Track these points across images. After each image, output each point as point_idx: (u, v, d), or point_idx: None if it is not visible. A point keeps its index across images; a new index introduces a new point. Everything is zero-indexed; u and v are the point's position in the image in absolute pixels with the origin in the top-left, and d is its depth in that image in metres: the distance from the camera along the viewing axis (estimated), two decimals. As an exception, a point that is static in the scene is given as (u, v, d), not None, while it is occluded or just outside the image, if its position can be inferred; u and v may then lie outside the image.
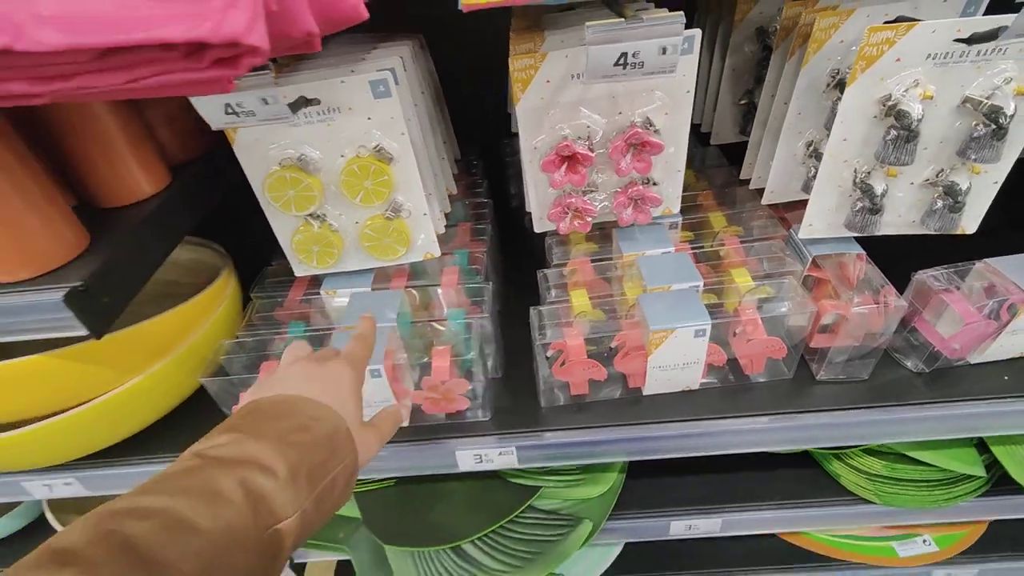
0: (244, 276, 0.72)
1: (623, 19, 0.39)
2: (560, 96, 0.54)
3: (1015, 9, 0.43)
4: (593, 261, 0.67)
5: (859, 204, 0.56)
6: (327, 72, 0.51)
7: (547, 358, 0.57)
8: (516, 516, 0.66)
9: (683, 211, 0.68)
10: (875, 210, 0.55)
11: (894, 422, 0.58)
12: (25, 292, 0.45)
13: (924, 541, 0.85)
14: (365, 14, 0.31)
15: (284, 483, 0.36)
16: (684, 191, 0.65)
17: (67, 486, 0.63)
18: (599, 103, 0.55)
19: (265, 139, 0.53)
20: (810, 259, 0.61)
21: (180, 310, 0.59)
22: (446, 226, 0.67)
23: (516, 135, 0.94)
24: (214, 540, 0.32)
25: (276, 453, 0.37)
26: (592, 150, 0.56)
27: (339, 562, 0.89)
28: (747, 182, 0.74)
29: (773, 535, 0.90)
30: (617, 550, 0.87)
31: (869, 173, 0.55)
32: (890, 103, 0.50)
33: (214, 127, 0.46)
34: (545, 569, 0.65)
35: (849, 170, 0.55)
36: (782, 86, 0.62)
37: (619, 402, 0.62)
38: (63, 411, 0.55)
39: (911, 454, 0.67)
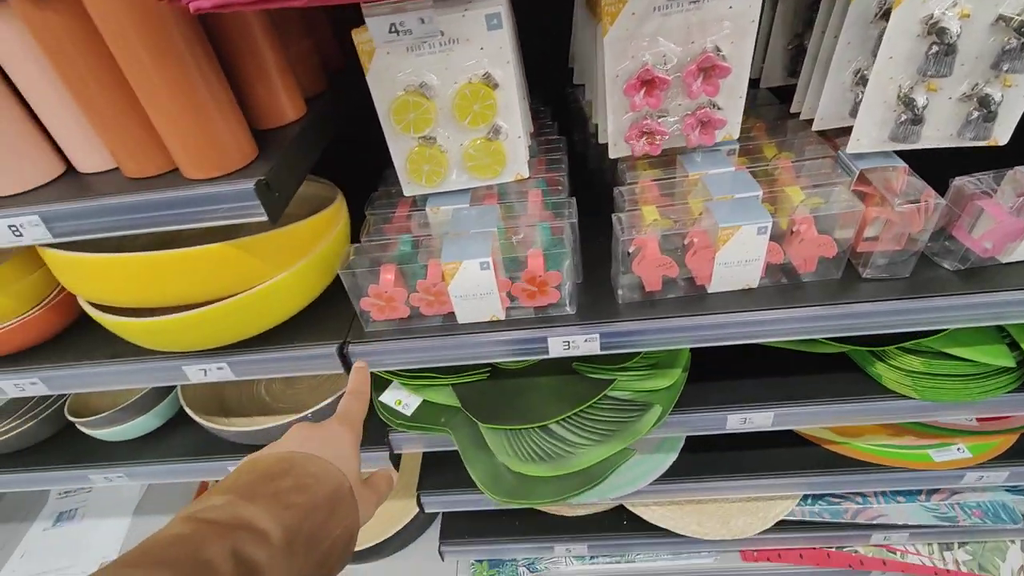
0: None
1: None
2: (643, 27, 0.63)
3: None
4: (659, 181, 0.77)
5: (903, 117, 0.64)
6: (448, 8, 0.61)
7: (628, 255, 0.67)
8: (595, 403, 0.76)
9: (739, 141, 0.77)
10: (917, 120, 0.64)
11: (930, 309, 0.66)
12: (222, 184, 0.57)
13: (959, 449, 0.93)
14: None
15: (278, 551, 0.34)
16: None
17: (219, 370, 0.75)
18: (676, 33, 0.64)
19: (394, 67, 0.63)
20: (857, 172, 0.70)
21: (317, 218, 0.71)
22: (525, 160, 0.77)
23: (578, 86, 1.04)
24: None
25: (271, 517, 0.35)
26: (668, 75, 0.65)
27: (425, 453, 1.01)
28: (796, 116, 0.83)
29: (817, 446, 0.99)
30: (674, 456, 0.97)
31: (912, 88, 0.63)
32: (931, 22, 0.58)
33: (377, 44, 0.57)
34: (622, 443, 0.75)
35: (894, 86, 0.64)
36: (832, 22, 0.70)
37: (687, 299, 0.71)
38: (223, 299, 0.67)
39: (947, 350, 0.75)
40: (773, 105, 0.90)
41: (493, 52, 0.64)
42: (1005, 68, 0.59)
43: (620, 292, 0.72)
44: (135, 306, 0.67)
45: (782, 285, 0.72)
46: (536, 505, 0.76)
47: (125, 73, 0.52)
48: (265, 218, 0.58)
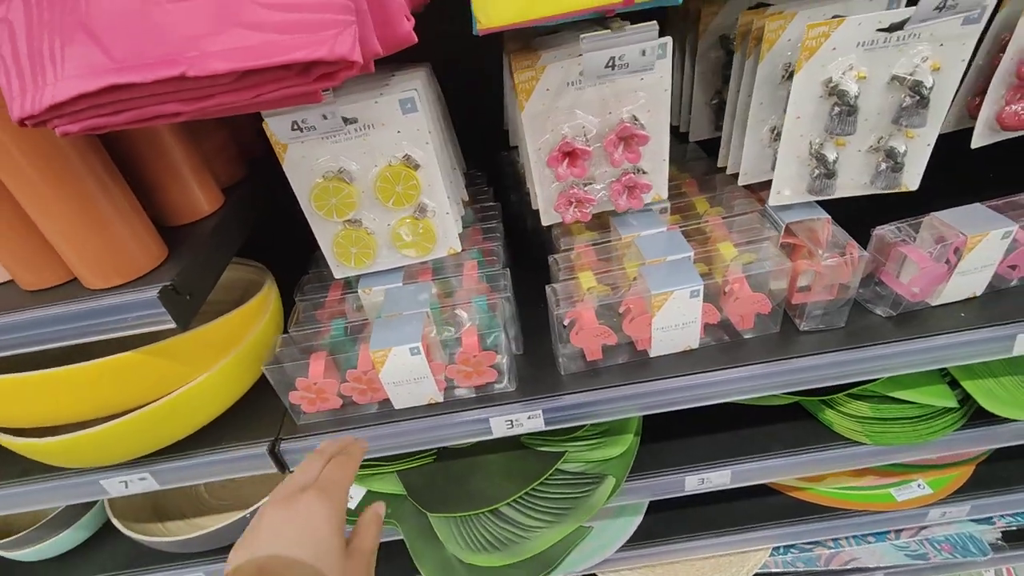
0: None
1: (609, 30, 0.49)
2: (558, 102, 0.63)
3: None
4: (594, 245, 0.76)
5: (816, 171, 0.66)
6: (361, 95, 0.61)
7: (564, 327, 0.66)
8: (546, 479, 0.73)
9: (670, 198, 0.77)
10: (830, 175, 0.65)
11: (871, 359, 0.66)
12: (124, 293, 0.54)
13: (919, 485, 0.92)
14: (415, 38, 0.40)
15: None
16: (669, 182, 0.74)
17: (142, 481, 0.70)
18: (592, 105, 0.64)
19: (311, 155, 0.62)
20: (783, 226, 0.71)
21: (240, 312, 0.68)
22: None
23: (513, 148, 1.05)
24: None
25: None
26: (588, 145, 0.66)
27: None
28: (723, 169, 0.84)
29: (780, 493, 0.97)
30: (638, 520, 0.93)
31: (822, 144, 0.64)
32: (831, 84, 0.60)
33: (281, 141, 0.56)
34: (576, 522, 0.72)
35: (805, 143, 0.65)
36: (745, 82, 0.72)
37: (629, 365, 0.70)
38: (141, 407, 0.63)
39: (892, 394, 0.75)
40: (701, 160, 0.92)
41: (411, 134, 0.63)
42: (904, 124, 0.61)
43: (561, 363, 0.70)
44: (43, 425, 0.62)
45: (723, 343, 0.71)
46: (492, 598, 0.71)
47: (8, 186, 0.49)
48: (173, 325, 0.54)
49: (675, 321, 0.66)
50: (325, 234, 0.69)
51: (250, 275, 0.81)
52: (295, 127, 0.54)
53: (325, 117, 0.53)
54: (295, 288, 0.77)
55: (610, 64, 0.50)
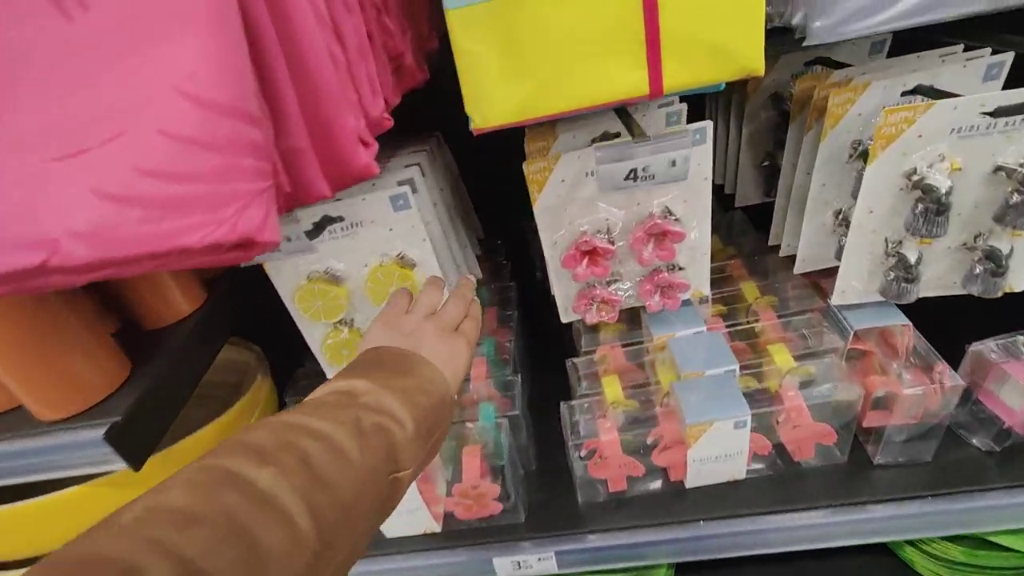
0: (276, 368, 0.74)
1: (632, 138, 0.40)
2: (576, 193, 0.54)
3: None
4: (624, 346, 0.66)
5: (892, 273, 0.54)
6: (348, 190, 0.53)
7: (581, 457, 0.55)
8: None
9: (712, 283, 0.66)
10: (911, 280, 0.53)
11: (967, 511, 0.53)
12: (68, 430, 0.47)
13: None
14: (376, 170, 0.32)
15: (411, 437, 0.39)
16: (711, 261, 0.63)
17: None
18: (616, 197, 0.54)
19: (293, 257, 0.55)
20: (852, 333, 0.58)
21: (217, 424, 0.60)
22: (473, 313, 0.67)
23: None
24: (361, 475, 0.34)
25: (406, 409, 0.40)
26: (613, 242, 0.56)
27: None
28: (776, 248, 0.72)
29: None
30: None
31: (901, 242, 0.52)
32: (916, 177, 0.48)
33: (242, 264, 0.48)
34: None
35: (879, 238, 0.53)
36: (803, 158, 0.61)
37: (661, 495, 0.59)
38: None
39: (993, 539, 0.61)
40: (749, 234, 0.80)
41: (405, 232, 0.55)
42: (1011, 224, 0.48)
43: (579, 488, 0.59)
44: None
45: (777, 471, 0.59)
46: None
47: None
48: (124, 466, 0.47)
49: (716, 453, 0.55)
50: (314, 336, 0.62)
51: (241, 357, 0.74)
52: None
53: (289, 239, 0.45)
54: (288, 383, 0.70)
55: (631, 176, 0.41)
